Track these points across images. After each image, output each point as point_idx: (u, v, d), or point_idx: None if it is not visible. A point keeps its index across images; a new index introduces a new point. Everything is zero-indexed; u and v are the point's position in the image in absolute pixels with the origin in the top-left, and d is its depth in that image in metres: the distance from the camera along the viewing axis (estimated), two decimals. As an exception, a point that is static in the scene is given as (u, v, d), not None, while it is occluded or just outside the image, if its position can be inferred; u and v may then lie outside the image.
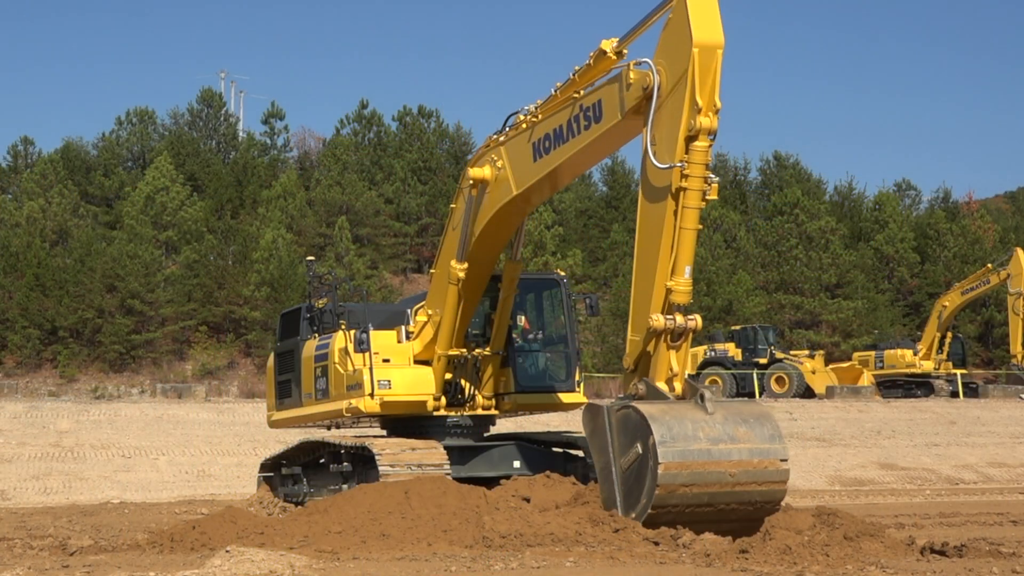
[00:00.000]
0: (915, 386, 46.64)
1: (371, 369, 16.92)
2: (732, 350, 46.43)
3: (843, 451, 33.24)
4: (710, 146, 12.28)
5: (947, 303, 47.73)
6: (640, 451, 12.15)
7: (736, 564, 11.08)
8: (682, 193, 12.34)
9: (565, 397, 17.79)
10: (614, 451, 12.56)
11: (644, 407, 12.28)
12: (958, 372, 47.43)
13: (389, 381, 17.01)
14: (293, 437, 19.94)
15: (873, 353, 48.57)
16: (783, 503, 13.26)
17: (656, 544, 12.31)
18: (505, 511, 13.09)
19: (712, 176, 12.40)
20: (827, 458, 32.38)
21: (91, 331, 51.98)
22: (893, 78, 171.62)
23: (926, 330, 49.01)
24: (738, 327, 48.70)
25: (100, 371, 51.97)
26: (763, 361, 45.42)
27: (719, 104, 12.28)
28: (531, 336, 18.14)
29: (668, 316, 12.36)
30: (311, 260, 21.65)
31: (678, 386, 12.57)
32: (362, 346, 17.02)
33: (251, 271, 53.77)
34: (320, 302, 18.76)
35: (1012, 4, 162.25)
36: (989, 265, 47.88)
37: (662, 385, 12.53)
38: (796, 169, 70.38)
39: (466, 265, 16.05)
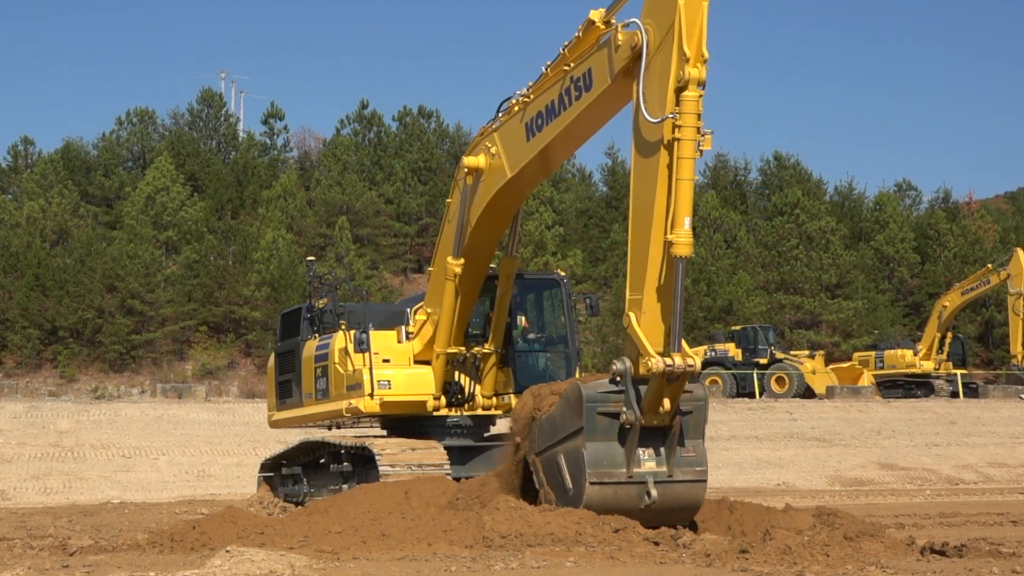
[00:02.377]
0: (915, 386, 46.64)
1: (371, 369, 16.93)
2: (732, 350, 46.45)
3: (843, 451, 33.26)
4: (700, 96, 12.29)
5: (947, 303, 47.74)
6: (569, 484, 12.85)
7: (736, 564, 11.09)
8: (676, 144, 12.29)
9: None
10: (561, 442, 13.01)
11: (587, 452, 12.59)
12: (958, 372, 47.44)
13: (389, 381, 17.04)
14: (293, 437, 19.96)
15: (873, 353, 48.58)
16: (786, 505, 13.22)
17: (656, 544, 12.32)
18: (505, 511, 13.10)
19: (704, 128, 12.37)
20: (827, 458, 32.39)
21: (91, 331, 51.99)
22: (893, 78, 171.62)
23: (926, 330, 49.02)
24: (738, 327, 48.73)
25: (100, 371, 51.98)
26: (763, 361, 45.44)
27: (707, 54, 12.30)
28: (531, 336, 18.15)
29: (668, 361, 12.14)
30: (311, 260, 21.69)
31: (667, 420, 12.60)
32: (362, 346, 17.04)
33: (251, 271, 53.79)
34: (320, 302, 18.79)
35: (1012, 4, 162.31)
36: (989, 265, 47.88)
37: (651, 418, 12.50)
38: (796, 169, 70.37)
39: (462, 260, 16.07)
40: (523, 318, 18.08)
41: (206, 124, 69.77)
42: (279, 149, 69.49)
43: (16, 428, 30.89)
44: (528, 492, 13.96)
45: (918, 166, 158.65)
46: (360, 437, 17.52)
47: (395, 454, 16.28)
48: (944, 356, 47.81)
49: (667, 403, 12.41)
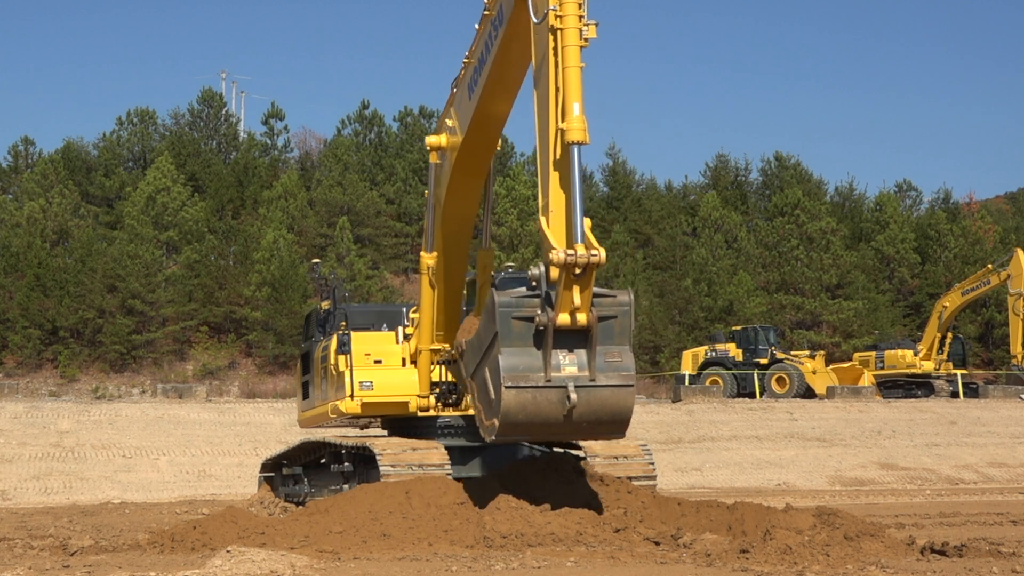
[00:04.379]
0: (915, 386, 46.59)
1: (351, 370, 16.97)
2: (733, 350, 46.44)
3: (843, 451, 33.26)
4: None
5: (947, 303, 47.71)
6: (493, 392, 12.37)
7: (736, 564, 11.10)
8: (560, 33, 12.30)
9: None
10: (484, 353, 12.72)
11: (506, 398, 12.15)
12: (958, 372, 47.38)
13: (371, 382, 17.03)
14: (294, 437, 19.98)
15: (873, 353, 48.54)
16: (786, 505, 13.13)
17: (656, 544, 12.35)
18: (506, 511, 13.11)
19: (587, 18, 12.37)
20: (827, 458, 32.39)
21: (92, 331, 52.01)
22: (894, 79, 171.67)
23: (926, 330, 49.00)
24: (739, 327, 48.72)
25: (101, 371, 51.99)
26: (764, 361, 45.43)
27: None
28: None
29: (569, 251, 11.91)
30: (316, 262, 21.72)
31: (581, 318, 12.16)
32: (343, 348, 17.11)
33: (252, 271, 53.82)
34: (325, 304, 18.87)
35: (1012, 4, 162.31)
36: (989, 266, 47.85)
37: (564, 317, 12.12)
38: (797, 170, 70.38)
39: (435, 254, 16.09)
40: None
41: (206, 124, 69.77)
42: (280, 149, 69.54)
43: (17, 428, 30.91)
44: (528, 492, 13.98)
45: (918, 167, 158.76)
46: (361, 437, 17.53)
47: (396, 454, 16.27)
48: (944, 356, 47.78)
49: (577, 298, 12.01)
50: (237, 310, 53.98)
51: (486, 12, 14.00)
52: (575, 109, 12.21)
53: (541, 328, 12.14)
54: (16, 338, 51.15)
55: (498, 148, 16.05)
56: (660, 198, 68.08)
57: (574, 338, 12.26)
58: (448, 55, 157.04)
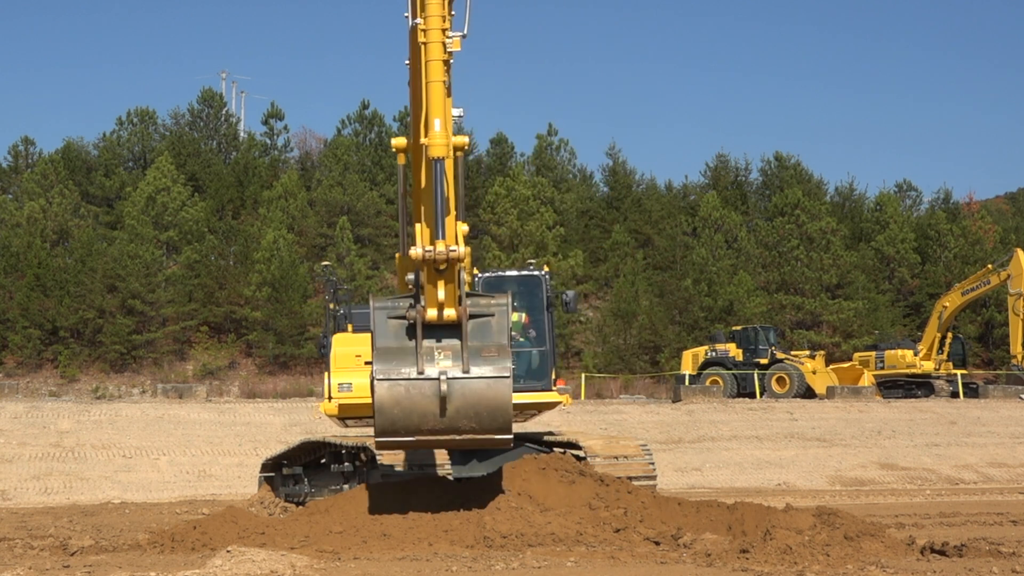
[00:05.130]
0: (915, 386, 46.60)
1: (329, 373, 16.98)
2: (733, 350, 46.45)
3: (843, 451, 33.26)
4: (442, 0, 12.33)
5: (947, 303, 47.71)
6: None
7: (737, 564, 11.11)
8: (424, 48, 12.35)
9: (539, 396, 17.66)
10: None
11: (380, 391, 12.26)
12: (958, 372, 47.38)
13: (351, 384, 17.02)
14: (294, 437, 19.98)
15: (874, 353, 48.54)
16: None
17: (657, 544, 12.35)
18: (506, 511, 13.11)
19: (452, 31, 12.37)
20: (828, 458, 32.40)
21: (92, 331, 52.02)
22: (893, 78, 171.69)
23: (926, 330, 49.00)
24: (739, 327, 48.73)
25: (101, 371, 52.00)
26: (764, 361, 45.44)
27: None
28: (513, 333, 18.00)
29: (428, 248, 12.09)
30: (327, 265, 21.75)
31: (449, 313, 12.34)
32: (322, 351, 17.13)
33: (252, 271, 53.84)
34: (331, 305, 18.96)
35: (1012, 4, 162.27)
36: (989, 266, 47.85)
37: (432, 312, 12.32)
38: (797, 170, 70.38)
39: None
40: (524, 315, 18.01)
41: (207, 124, 69.78)
42: (280, 149, 69.54)
43: (17, 428, 30.91)
44: (528, 492, 13.98)
45: (918, 167, 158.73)
46: (361, 437, 17.55)
47: (396, 454, 16.28)
48: (944, 356, 47.79)
49: (441, 293, 12.23)
50: (237, 310, 54.00)
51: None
52: (436, 125, 12.33)
53: (412, 323, 12.38)
54: (16, 338, 51.16)
55: (464, 149, 16.02)
56: (660, 198, 68.10)
57: (449, 335, 12.44)
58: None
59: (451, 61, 12.40)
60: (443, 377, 12.18)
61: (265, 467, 20.67)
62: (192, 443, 30.59)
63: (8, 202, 59.81)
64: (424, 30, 12.29)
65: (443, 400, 12.14)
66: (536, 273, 18.38)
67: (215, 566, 10.78)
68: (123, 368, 52.38)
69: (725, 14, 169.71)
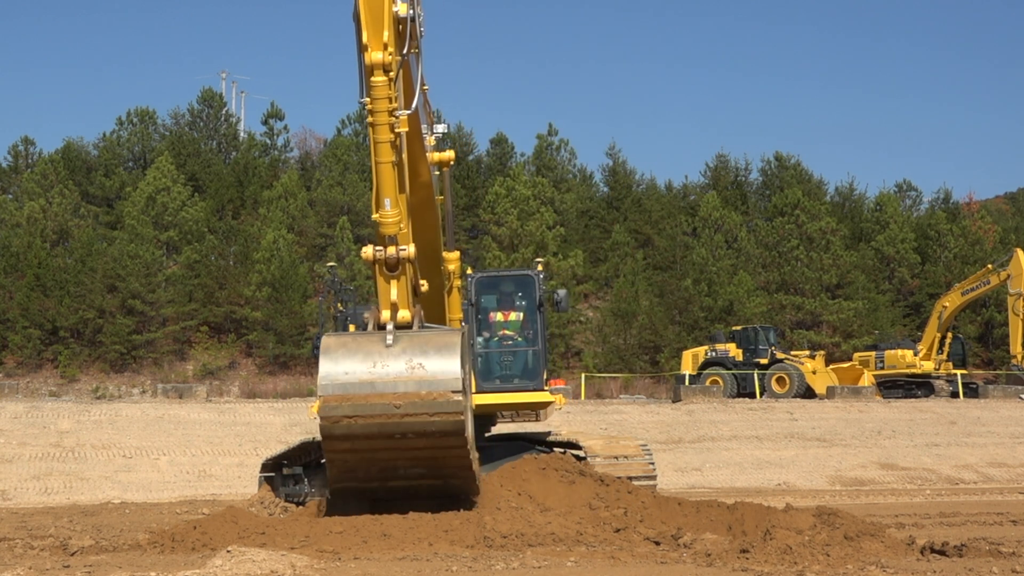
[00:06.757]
0: (915, 386, 46.60)
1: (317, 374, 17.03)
2: (733, 350, 46.45)
3: (843, 451, 33.26)
4: (389, 81, 12.26)
5: (947, 303, 47.72)
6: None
7: (737, 564, 11.10)
8: (372, 128, 12.42)
9: (531, 396, 17.66)
10: None
11: (325, 339, 12.50)
12: (958, 372, 47.38)
13: None
14: (294, 437, 19.96)
15: (873, 353, 48.55)
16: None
17: (657, 544, 12.35)
18: (506, 511, 13.11)
19: (399, 110, 12.38)
20: (828, 458, 32.40)
21: (92, 331, 52.02)
22: (894, 79, 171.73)
23: (926, 330, 49.00)
24: (739, 327, 48.73)
25: (101, 371, 52.00)
26: (764, 361, 45.44)
27: (389, 41, 12.21)
28: (501, 333, 18.02)
29: (378, 248, 12.38)
30: (332, 266, 21.77)
31: (403, 314, 12.52)
32: (315, 351, 17.11)
33: (252, 271, 53.84)
34: (339, 305, 18.99)
35: (1012, 4, 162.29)
36: (989, 266, 47.86)
37: (386, 313, 12.51)
38: (797, 170, 70.39)
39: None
40: (522, 315, 18.00)
41: (206, 124, 69.80)
42: (280, 149, 69.55)
43: (17, 428, 30.91)
44: (528, 492, 13.97)
45: (918, 167, 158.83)
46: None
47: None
48: (944, 356, 47.79)
49: (394, 293, 12.45)
50: (237, 310, 54.00)
51: None
52: (386, 204, 12.49)
53: (366, 324, 12.65)
54: (16, 338, 51.16)
55: (450, 164, 16.15)
56: (660, 198, 68.10)
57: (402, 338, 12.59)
58: (448, 55, 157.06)
59: (399, 142, 12.44)
60: (389, 326, 12.41)
61: (265, 467, 20.61)
62: (192, 443, 30.59)
63: (8, 202, 59.82)
64: (371, 111, 12.30)
65: (397, 392, 12.11)
66: (529, 272, 18.38)
67: (215, 566, 10.77)
68: (123, 368, 52.38)
69: (725, 14, 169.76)
